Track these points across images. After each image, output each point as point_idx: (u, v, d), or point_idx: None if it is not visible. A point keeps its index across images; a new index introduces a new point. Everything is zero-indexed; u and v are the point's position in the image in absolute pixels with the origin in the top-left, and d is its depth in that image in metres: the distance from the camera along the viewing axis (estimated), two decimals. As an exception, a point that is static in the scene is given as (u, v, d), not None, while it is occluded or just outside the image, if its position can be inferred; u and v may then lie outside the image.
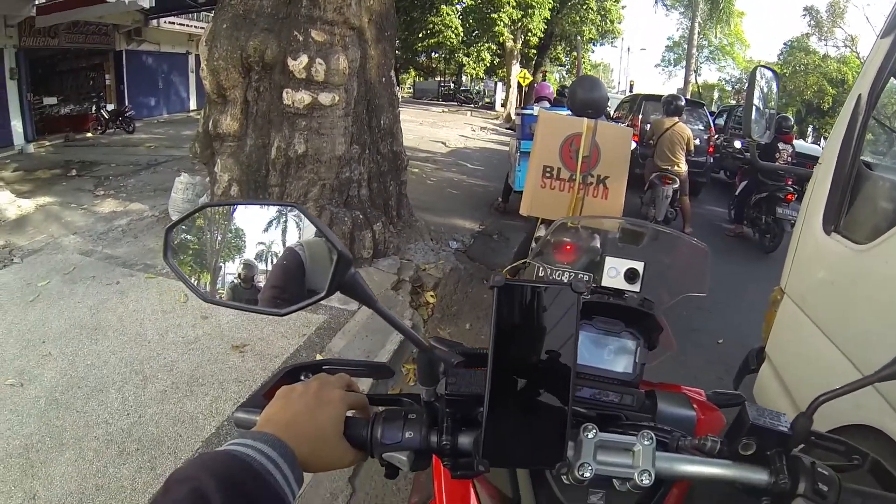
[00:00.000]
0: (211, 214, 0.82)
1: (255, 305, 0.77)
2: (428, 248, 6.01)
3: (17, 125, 11.23)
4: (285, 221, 0.77)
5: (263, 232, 0.77)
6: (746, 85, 2.91)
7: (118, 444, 2.77)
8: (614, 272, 1.16)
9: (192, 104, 18.38)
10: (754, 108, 2.55)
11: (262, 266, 0.77)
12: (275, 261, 0.77)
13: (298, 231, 0.76)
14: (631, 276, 1.16)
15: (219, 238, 0.81)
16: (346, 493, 2.67)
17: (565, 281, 0.75)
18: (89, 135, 13.16)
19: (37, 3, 10.29)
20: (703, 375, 3.93)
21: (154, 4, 10.47)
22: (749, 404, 0.80)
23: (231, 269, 0.78)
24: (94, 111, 13.63)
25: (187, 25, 16.49)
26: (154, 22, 14.74)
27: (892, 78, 2.11)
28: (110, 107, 14.13)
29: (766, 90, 2.77)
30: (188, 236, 0.82)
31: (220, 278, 0.79)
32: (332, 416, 0.73)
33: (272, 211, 0.78)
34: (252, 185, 5.13)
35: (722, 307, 5.29)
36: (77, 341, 3.63)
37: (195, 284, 0.79)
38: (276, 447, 0.64)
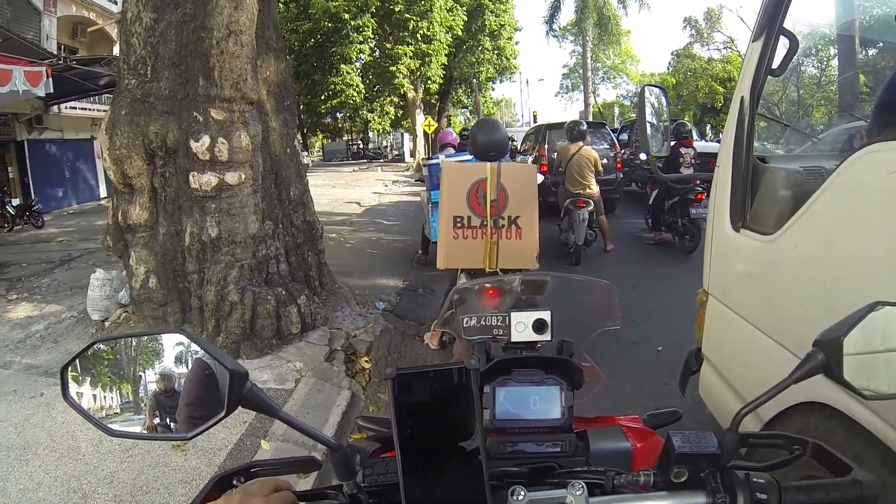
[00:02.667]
0: (108, 348, 0.81)
1: (160, 432, 0.76)
2: (356, 314, 5.93)
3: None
4: (184, 345, 0.76)
5: (168, 359, 0.76)
6: (636, 106, 3.05)
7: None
8: (522, 326, 1.17)
9: (102, 192, 17.74)
10: (648, 125, 2.67)
11: (180, 370, 0.75)
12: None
13: (198, 350, 0.74)
14: (539, 326, 1.16)
15: (123, 370, 0.79)
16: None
17: (475, 345, 0.75)
18: (-5, 234, 12.29)
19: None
20: (650, 385, 4.00)
21: (52, 90, 10.02)
22: (674, 433, 0.80)
23: (150, 380, 0.76)
24: (-2, 208, 12.73)
25: (89, 110, 16.00)
26: (55, 108, 14.25)
27: (768, 77, 2.25)
28: (16, 202, 13.18)
29: (656, 105, 2.91)
30: (90, 372, 0.79)
31: (139, 397, 0.77)
32: None
33: (165, 338, 0.77)
34: (170, 275, 4.98)
35: (655, 315, 5.43)
36: (6, 465, 3.35)
37: (98, 419, 0.76)
38: None
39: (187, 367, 0.74)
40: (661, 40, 77.58)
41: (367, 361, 4.92)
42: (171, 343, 0.76)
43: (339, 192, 18.51)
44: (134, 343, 0.79)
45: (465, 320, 1.56)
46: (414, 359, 4.95)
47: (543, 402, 1.03)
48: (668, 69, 39.99)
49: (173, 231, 4.96)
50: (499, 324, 1.60)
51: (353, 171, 29.18)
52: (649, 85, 3.01)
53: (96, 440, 3.55)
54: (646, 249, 8.77)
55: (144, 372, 0.77)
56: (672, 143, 8.15)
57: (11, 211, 12.75)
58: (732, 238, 2.35)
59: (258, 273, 5.10)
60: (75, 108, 15.31)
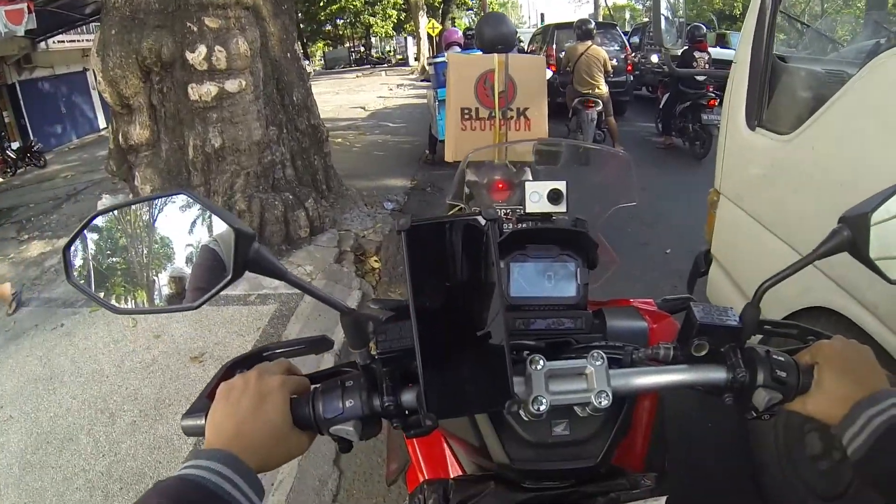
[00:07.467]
0: (109, 222, 0.75)
1: (166, 305, 0.72)
2: (364, 215, 5.95)
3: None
4: (187, 208, 0.71)
5: (171, 226, 0.72)
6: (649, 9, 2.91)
7: (102, 489, 2.67)
8: (536, 196, 1.12)
9: (101, 122, 17.44)
10: (663, 18, 2.57)
11: (185, 236, 0.72)
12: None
13: (202, 214, 0.70)
14: (554, 197, 1.12)
15: (127, 243, 0.75)
16: (333, 477, 2.65)
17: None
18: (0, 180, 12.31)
19: None
20: (659, 287, 4.03)
21: (36, 26, 9.71)
22: (695, 304, 0.79)
23: (163, 280, 0.73)
24: (-1, 154, 12.61)
25: (78, 41, 15.47)
26: (42, 45, 13.82)
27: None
28: (15, 145, 13.01)
29: (672, 0, 2.79)
30: (92, 250, 0.75)
31: (155, 288, 0.73)
32: (278, 407, 0.69)
33: (168, 203, 0.73)
34: (177, 191, 4.94)
35: (665, 218, 5.42)
36: (35, 396, 3.47)
37: (104, 299, 0.73)
38: (230, 463, 0.61)
39: (191, 231, 0.71)
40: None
41: (376, 261, 4.99)
42: (175, 206, 0.71)
43: (343, 97, 18.19)
44: (135, 210, 0.75)
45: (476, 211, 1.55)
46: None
47: (558, 279, 1.01)
48: (684, -28, 37.92)
49: (176, 146, 4.93)
50: (508, 216, 1.57)
51: (357, 76, 28.53)
52: None
53: (118, 361, 3.66)
54: (655, 153, 8.63)
55: (149, 241, 0.73)
56: (686, 47, 7.93)
57: (12, 155, 12.59)
58: (747, 137, 2.29)
59: (264, 179, 5.11)
60: (63, 41, 14.74)
